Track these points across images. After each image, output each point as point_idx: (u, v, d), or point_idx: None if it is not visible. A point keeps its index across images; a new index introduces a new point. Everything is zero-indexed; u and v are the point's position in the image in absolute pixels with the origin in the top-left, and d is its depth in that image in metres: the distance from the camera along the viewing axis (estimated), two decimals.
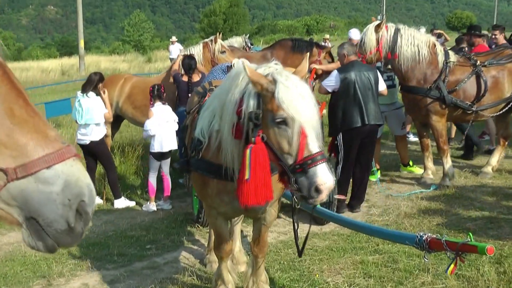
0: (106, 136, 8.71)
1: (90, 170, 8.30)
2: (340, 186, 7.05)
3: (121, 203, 8.30)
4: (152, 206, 8.05)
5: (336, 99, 7.16)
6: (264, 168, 3.42)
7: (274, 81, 3.41)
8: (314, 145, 3.33)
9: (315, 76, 9.39)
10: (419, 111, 8.18)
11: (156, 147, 7.98)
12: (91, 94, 8.06)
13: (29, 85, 24.80)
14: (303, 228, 6.60)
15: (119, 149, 10.18)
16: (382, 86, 7.38)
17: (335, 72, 7.28)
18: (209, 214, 4.52)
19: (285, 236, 6.61)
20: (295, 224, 4.10)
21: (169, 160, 8.21)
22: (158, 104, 8.03)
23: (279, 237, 6.60)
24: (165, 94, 8.16)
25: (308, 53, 4.05)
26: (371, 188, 8.30)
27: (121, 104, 9.61)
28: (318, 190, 3.28)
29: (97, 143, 8.14)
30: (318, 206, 5.16)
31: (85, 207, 1.80)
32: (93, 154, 8.27)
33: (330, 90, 7.26)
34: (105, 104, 8.22)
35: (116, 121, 9.84)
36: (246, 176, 3.42)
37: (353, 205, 7.38)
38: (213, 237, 5.01)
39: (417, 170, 9.06)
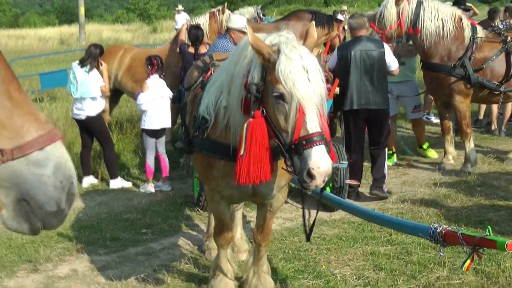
0: (103, 111, 8.69)
1: (86, 147, 8.35)
2: (351, 170, 6.99)
3: (117, 183, 8.29)
4: (150, 187, 8.03)
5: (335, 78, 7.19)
6: (260, 144, 3.40)
7: (278, 51, 3.35)
8: (313, 124, 3.26)
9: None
10: (441, 91, 8.05)
11: (147, 124, 7.95)
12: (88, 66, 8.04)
13: (25, 54, 24.80)
14: (314, 216, 6.58)
15: (117, 126, 10.17)
16: (393, 65, 7.15)
17: (336, 50, 7.33)
18: (211, 198, 4.45)
19: (292, 223, 6.57)
20: (305, 212, 4.06)
21: (163, 138, 8.17)
22: (154, 77, 7.95)
23: (284, 224, 6.56)
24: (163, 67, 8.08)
25: (313, 22, 3.93)
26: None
27: (120, 77, 9.59)
28: (310, 175, 3.22)
29: (94, 119, 8.12)
30: (327, 191, 5.11)
31: (72, 189, 1.93)
32: (89, 130, 8.26)
33: (330, 68, 7.31)
34: (102, 77, 8.18)
35: (114, 95, 9.88)
36: (241, 152, 3.41)
37: (374, 188, 7.22)
38: (213, 223, 4.98)
39: (432, 154, 8.93)
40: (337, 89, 6.90)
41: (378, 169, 7.26)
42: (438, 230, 3.53)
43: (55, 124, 9.73)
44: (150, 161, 8.07)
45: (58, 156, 1.86)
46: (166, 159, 8.15)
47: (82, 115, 8.08)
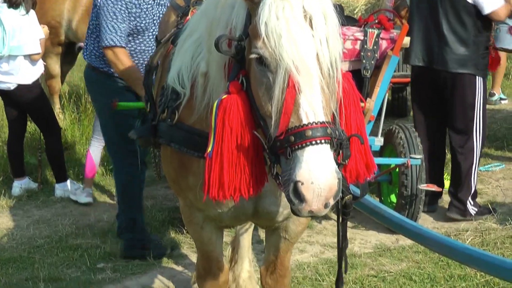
0: (52, 77, 8.59)
1: (16, 133, 8.37)
2: (429, 169, 6.91)
3: (67, 189, 8.19)
4: (86, 194, 7.98)
5: None
6: (237, 135, 3.27)
7: None
8: (310, 109, 3.03)
9: None
10: None
11: None
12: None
13: None
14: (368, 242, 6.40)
15: (71, 99, 10.17)
16: (486, 5, 6.80)
17: None
18: (189, 220, 4.33)
19: (333, 252, 6.41)
20: (342, 239, 3.83)
21: None
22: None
23: (322, 254, 6.50)
24: None
25: None
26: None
27: (75, 25, 9.77)
28: (297, 193, 2.97)
29: (28, 89, 8.05)
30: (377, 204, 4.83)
31: None
32: (21, 106, 8.18)
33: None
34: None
35: (68, 52, 10.05)
36: (209, 149, 3.32)
37: (451, 209, 7.11)
38: None
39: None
40: (407, 39, 6.63)
41: (457, 178, 7.11)
42: None
43: None
44: (93, 150, 7.99)
45: None
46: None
47: (11, 83, 7.99)
